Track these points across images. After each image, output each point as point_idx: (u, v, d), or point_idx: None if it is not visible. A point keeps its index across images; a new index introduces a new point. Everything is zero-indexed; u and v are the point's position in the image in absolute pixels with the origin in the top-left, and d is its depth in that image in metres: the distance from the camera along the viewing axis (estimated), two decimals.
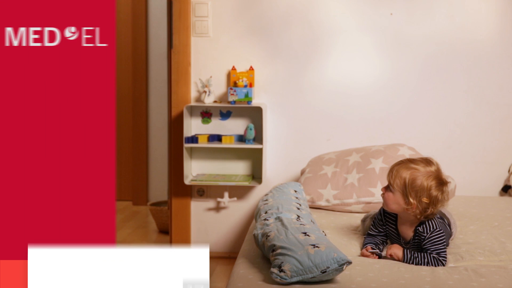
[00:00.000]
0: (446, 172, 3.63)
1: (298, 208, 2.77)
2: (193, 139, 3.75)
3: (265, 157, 3.80)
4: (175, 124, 3.87)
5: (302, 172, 3.62)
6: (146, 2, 5.07)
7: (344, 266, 2.24)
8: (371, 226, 2.71)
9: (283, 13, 3.81)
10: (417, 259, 2.50)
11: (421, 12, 3.78)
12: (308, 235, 2.37)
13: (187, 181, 3.75)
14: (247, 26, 3.83)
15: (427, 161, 2.56)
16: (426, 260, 2.49)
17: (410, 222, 2.58)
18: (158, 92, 5.14)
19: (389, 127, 3.85)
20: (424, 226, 2.55)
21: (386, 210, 2.62)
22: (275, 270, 2.25)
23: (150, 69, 5.14)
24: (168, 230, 4.17)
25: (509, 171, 3.83)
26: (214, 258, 3.92)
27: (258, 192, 3.91)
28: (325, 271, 2.21)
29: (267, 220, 2.61)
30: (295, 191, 3.05)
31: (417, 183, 2.50)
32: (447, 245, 2.66)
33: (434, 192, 2.50)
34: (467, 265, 2.49)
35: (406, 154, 3.45)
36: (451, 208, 3.40)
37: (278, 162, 3.89)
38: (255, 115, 3.84)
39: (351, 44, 3.81)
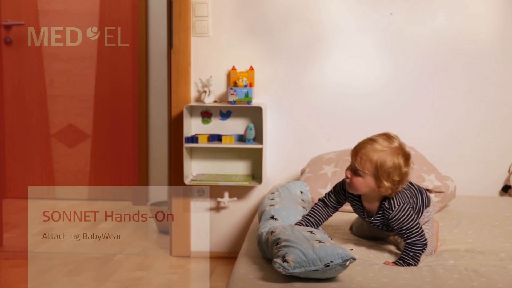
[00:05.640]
0: (446, 172, 3.67)
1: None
2: (193, 139, 3.75)
3: (265, 157, 3.80)
4: (175, 124, 3.87)
5: (302, 172, 3.62)
6: (146, 2, 5.07)
7: (348, 263, 2.23)
8: (330, 194, 2.66)
9: (283, 13, 3.81)
10: (407, 262, 2.50)
11: (421, 12, 3.78)
12: (313, 233, 2.37)
13: (187, 181, 3.75)
14: (247, 26, 3.83)
15: (389, 137, 2.55)
16: (411, 259, 2.49)
17: (376, 199, 2.57)
18: (158, 92, 5.14)
19: (389, 127, 3.83)
20: (389, 200, 2.55)
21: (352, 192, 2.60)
22: (278, 260, 2.24)
23: (150, 69, 5.13)
24: (168, 230, 4.17)
25: (509, 171, 3.83)
26: (214, 258, 3.92)
27: (258, 192, 3.91)
28: (329, 265, 2.20)
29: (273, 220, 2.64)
30: (301, 192, 3.03)
31: (388, 165, 2.48)
32: (420, 214, 2.64)
33: (404, 169, 2.51)
34: (467, 265, 2.49)
35: None
36: (451, 208, 3.40)
37: (278, 162, 3.89)
38: (255, 115, 3.84)
39: (351, 44, 3.81)
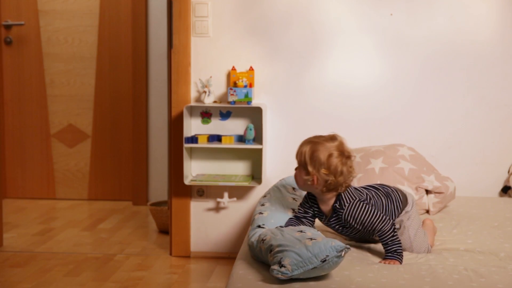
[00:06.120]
0: (446, 173, 3.67)
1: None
2: (193, 139, 3.75)
3: (265, 157, 3.80)
4: (175, 124, 3.87)
5: None
6: (146, 2, 5.07)
7: (343, 253, 2.23)
8: (299, 207, 2.69)
9: (283, 13, 3.81)
10: (392, 250, 2.51)
11: (421, 12, 3.78)
12: (304, 232, 2.37)
13: (187, 181, 3.75)
14: (247, 26, 3.83)
15: (331, 137, 2.57)
16: (392, 245, 2.51)
17: (326, 200, 2.58)
18: (158, 92, 5.14)
19: (389, 127, 3.85)
20: (339, 201, 2.56)
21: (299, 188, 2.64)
22: (275, 267, 2.24)
23: (150, 69, 5.14)
24: (168, 230, 4.17)
25: (508, 171, 3.83)
26: (214, 258, 3.92)
27: (258, 192, 3.91)
28: (325, 260, 2.21)
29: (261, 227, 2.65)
30: (294, 189, 3.02)
31: (316, 154, 2.51)
32: (395, 215, 2.65)
33: (334, 162, 2.49)
34: (466, 265, 2.49)
35: (406, 154, 3.45)
36: (451, 209, 3.40)
37: (278, 162, 3.89)
38: (255, 115, 3.84)
39: (351, 45, 3.81)
